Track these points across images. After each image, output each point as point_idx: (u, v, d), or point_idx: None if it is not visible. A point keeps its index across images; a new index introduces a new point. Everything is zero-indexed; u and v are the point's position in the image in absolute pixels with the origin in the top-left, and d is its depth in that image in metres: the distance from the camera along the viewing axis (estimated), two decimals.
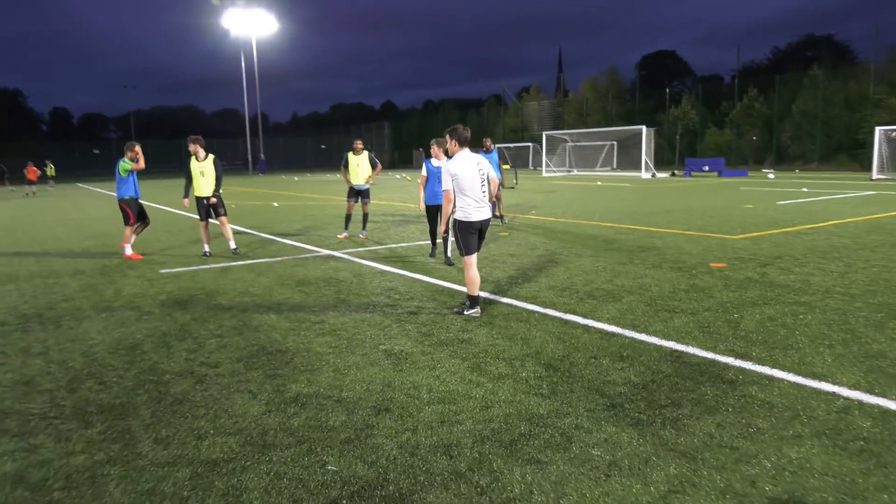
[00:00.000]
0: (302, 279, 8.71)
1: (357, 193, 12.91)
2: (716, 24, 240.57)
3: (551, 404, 4.25)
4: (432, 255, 10.13)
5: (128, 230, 10.95)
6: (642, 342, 5.55)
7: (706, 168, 36.34)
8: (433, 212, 10.01)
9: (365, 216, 13.03)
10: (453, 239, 8.43)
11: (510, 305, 6.92)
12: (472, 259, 6.55)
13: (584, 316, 6.43)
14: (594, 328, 6.01)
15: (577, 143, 47.34)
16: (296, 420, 4.12)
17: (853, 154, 39.50)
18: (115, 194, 11.19)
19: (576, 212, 17.05)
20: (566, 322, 6.25)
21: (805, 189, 23.73)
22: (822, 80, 41.92)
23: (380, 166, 12.96)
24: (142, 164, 10.84)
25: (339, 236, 12.98)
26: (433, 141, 9.71)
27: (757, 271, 8.42)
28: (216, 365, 5.24)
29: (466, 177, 6.43)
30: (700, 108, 53.12)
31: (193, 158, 10.77)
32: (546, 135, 44.36)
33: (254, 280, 8.75)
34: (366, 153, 12.82)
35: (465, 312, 6.52)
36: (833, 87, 41.32)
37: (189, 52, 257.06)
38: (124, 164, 10.74)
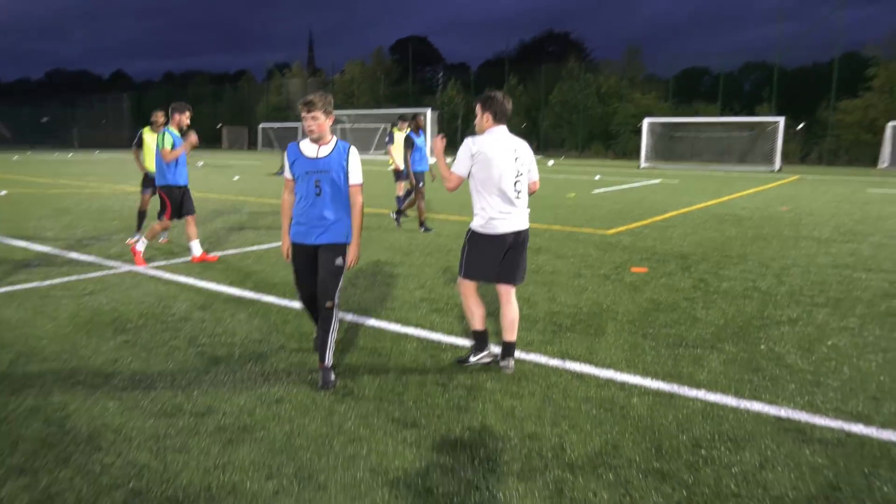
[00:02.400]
0: (117, 319, 5.70)
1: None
2: (459, 15, 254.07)
3: None
4: (326, 383, 4.21)
5: (157, 224, 8.06)
6: (717, 406, 3.97)
7: None
8: (307, 259, 4.37)
9: None
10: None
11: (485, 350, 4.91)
12: (472, 285, 4.57)
13: (591, 362, 4.69)
14: (628, 385, 4.29)
15: (355, 126, 45.39)
16: None
17: (607, 143, 43.26)
18: None
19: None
20: (580, 376, 4.45)
21: (598, 177, 24.70)
22: (578, 73, 45.17)
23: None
24: (193, 139, 7.93)
25: (129, 241, 9.59)
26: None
27: (691, 277, 7.43)
28: None
29: (495, 163, 4.30)
30: (464, 94, 54.67)
31: None
32: None
33: (30, 323, 5.52)
34: None
35: (472, 359, 4.61)
36: (587, 80, 44.75)
37: None
38: (167, 137, 7.75)
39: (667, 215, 12.86)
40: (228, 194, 16.92)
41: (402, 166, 11.32)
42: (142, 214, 9.69)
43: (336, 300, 4.28)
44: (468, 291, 4.57)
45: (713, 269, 7.88)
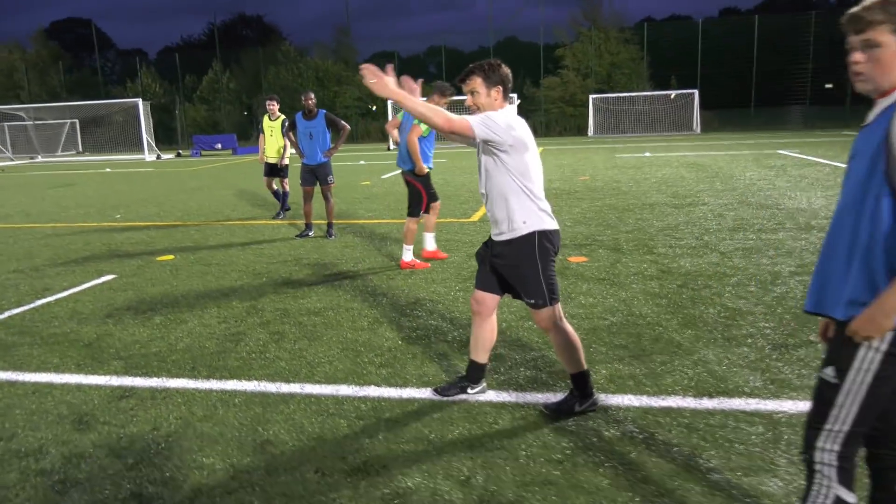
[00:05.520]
0: None
1: None
2: None
3: None
4: None
5: (412, 223, 6.78)
6: None
7: (219, 146, 33.02)
8: None
9: None
10: None
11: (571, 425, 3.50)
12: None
13: (750, 395, 3.61)
14: None
15: (42, 122, 37.23)
16: None
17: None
18: None
19: (188, 210, 12.27)
20: (749, 417, 3.33)
21: (363, 161, 23.42)
22: (295, 56, 43.18)
23: None
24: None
25: None
26: None
27: (643, 261, 6.76)
28: None
29: (533, 149, 3.35)
30: (161, 83, 49.06)
31: None
32: None
33: None
34: None
35: (578, 408, 3.51)
36: (307, 63, 43.06)
37: None
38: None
39: None
40: None
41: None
42: None
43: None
44: (562, 320, 3.47)
45: (646, 248, 7.33)
